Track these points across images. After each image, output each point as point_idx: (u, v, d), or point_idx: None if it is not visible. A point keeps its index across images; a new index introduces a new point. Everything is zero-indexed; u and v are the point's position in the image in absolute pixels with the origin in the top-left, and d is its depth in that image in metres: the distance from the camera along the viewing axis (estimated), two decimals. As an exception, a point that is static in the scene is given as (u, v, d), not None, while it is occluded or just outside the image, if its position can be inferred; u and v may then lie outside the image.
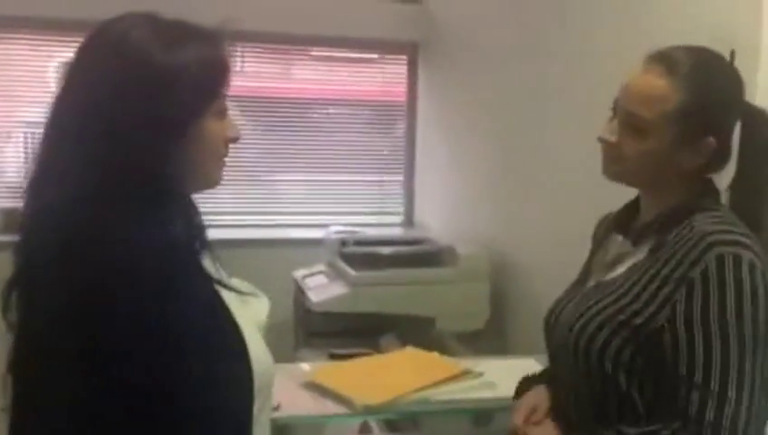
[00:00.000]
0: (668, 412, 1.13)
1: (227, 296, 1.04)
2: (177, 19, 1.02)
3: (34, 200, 0.97)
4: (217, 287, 1.02)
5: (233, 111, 1.07)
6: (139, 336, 0.88)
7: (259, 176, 3.80)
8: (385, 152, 3.91)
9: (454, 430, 1.63)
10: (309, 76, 3.83)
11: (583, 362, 1.24)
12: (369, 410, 1.48)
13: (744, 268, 1.11)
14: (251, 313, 1.10)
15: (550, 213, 2.50)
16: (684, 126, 1.19)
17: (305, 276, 2.79)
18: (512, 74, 2.77)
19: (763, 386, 1.12)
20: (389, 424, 1.97)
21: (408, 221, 3.83)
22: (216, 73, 1.01)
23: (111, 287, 0.88)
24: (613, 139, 1.22)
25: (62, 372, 0.88)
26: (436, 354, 1.73)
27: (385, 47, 3.78)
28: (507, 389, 1.50)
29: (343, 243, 2.80)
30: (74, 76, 0.98)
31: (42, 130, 0.98)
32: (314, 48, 3.77)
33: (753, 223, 1.23)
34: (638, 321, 1.17)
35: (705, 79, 1.20)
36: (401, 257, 2.66)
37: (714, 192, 1.27)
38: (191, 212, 1.02)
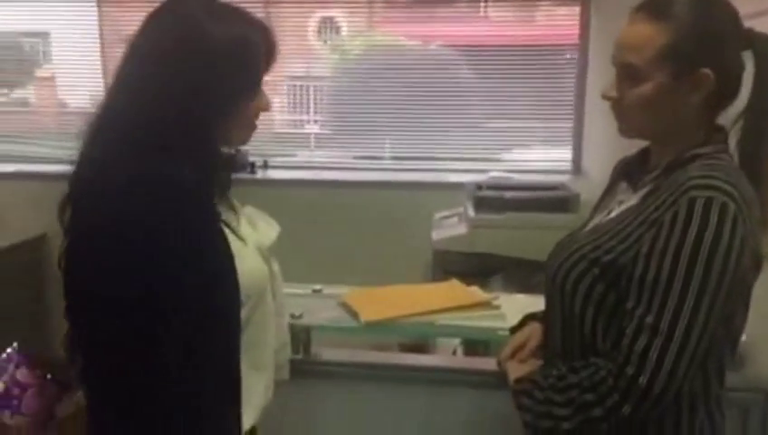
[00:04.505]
0: None
1: (240, 223, 1.25)
2: (232, 4, 1.17)
3: (90, 141, 1.12)
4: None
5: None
6: (164, 249, 1.04)
7: (436, 122, 3.99)
8: (554, 98, 3.84)
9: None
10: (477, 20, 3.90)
11: (559, 297, 1.29)
12: (369, 324, 1.66)
13: (713, 212, 1.10)
14: (257, 236, 1.31)
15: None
16: (674, 62, 1.19)
17: (442, 218, 2.95)
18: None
19: (706, 329, 1.10)
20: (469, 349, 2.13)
21: (576, 169, 3.75)
22: (256, 57, 1.15)
23: (138, 215, 1.04)
24: (614, 93, 1.25)
25: (99, 280, 1.06)
26: (473, 288, 1.81)
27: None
28: (514, 322, 1.57)
29: (479, 187, 2.90)
30: (139, 40, 1.13)
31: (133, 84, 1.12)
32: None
33: (752, 162, 1.21)
34: (608, 257, 1.20)
35: (688, 14, 1.19)
36: (523, 202, 2.69)
37: (720, 139, 1.25)
38: (216, 161, 1.18)
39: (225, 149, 1.23)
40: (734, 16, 1.22)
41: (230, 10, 1.15)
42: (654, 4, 1.21)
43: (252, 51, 1.14)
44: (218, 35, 1.10)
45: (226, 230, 1.17)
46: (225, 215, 1.19)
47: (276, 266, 1.37)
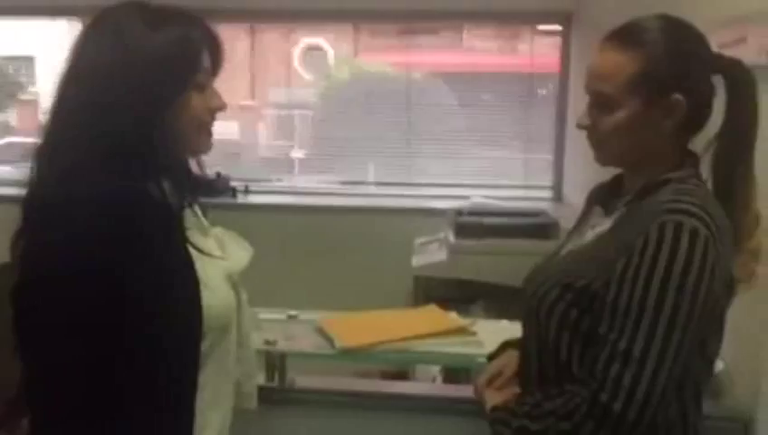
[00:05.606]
0: None
1: (209, 245, 1.20)
2: (164, 5, 1.16)
3: (40, 165, 1.11)
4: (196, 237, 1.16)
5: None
6: (104, 270, 1.01)
7: (419, 148, 4.03)
8: (534, 126, 3.87)
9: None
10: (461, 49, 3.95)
11: (534, 323, 1.28)
12: (345, 351, 1.63)
13: (684, 235, 1.09)
14: (226, 261, 1.23)
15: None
16: (646, 89, 1.19)
17: (423, 243, 2.94)
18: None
19: (679, 354, 1.09)
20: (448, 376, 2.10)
21: (557, 196, 3.76)
22: (193, 51, 1.13)
23: (80, 239, 1.02)
24: (587, 122, 1.25)
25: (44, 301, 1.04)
26: (451, 314, 1.80)
27: (538, 18, 3.74)
28: (492, 349, 1.55)
29: (459, 213, 2.89)
30: (75, 57, 1.12)
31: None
32: (468, 23, 3.86)
33: (725, 187, 1.21)
34: (581, 283, 1.19)
35: (658, 41, 1.20)
36: (503, 228, 2.69)
37: (692, 163, 1.25)
38: (179, 175, 1.16)
39: (193, 166, 1.20)
40: (702, 41, 1.23)
41: (166, 13, 1.14)
42: (623, 33, 1.22)
43: (189, 48, 1.13)
44: (154, 41, 1.09)
45: (193, 251, 1.13)
46: (193, 235, 1.15)
47: (245, 296, 1.29)
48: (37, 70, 4.37)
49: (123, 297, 1.02)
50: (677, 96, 1.18)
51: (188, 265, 1.12)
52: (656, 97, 1.18)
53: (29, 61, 4.43)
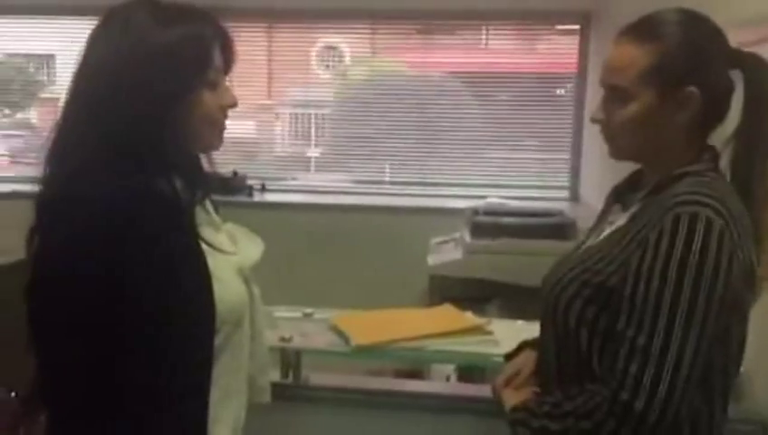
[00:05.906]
0: None
1: (220, 240, 1.20)
2: (177, 2, 1.16)
3: (51, 161, 1.11)
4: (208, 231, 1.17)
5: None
6: (111, 270, 1.02)
7: (436, 148, 4.04)
8: (552, 126, 3.86)
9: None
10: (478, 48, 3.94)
11: (551, 321, 1.27)
12: (360, 349, 1.63)
13: (699, 226, 1.08)
14: (238, 256, 1.22)
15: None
16: (660, 82, 1.18)
17: (439, 243, 2.94)
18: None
19: (699, 349, 1.07)
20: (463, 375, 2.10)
21: (574, 196, 3.74)
22: (204, 48, 1.13)
23: (87, 236, 1.02)
24: (601, 116, 1.24)
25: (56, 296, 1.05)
26: (466, 313, 1.80)
27: (557, 17, 3.72)
28: (508, 349, 1.54)
29: (475, 212, 2.89)
30: (86, 54, 1.12)
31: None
32: (485, 22, 3.85)
33: (744, 183, 1.19)
34: (597, 280, 1.18)
35: (673, 35, 1.19)
36: (519, 228, 2.69)
37: (710, 158, 1.23)
38: (190, 172, 1.16)
39: (205, 162, 1.20)
40: (719, 35, 1.21)
41: (177, 10, 1.13)
42: (640, 26, 1.21)
43: (197, 44, 1.12)
44: (164, 39, 1.09)
45: (205, 247, 1.13)
46: (204, 231, 1.15)
47: (257, 290, 1.29)
48: (58, 68, 4.41)
49: (123, 297, 1.03)
50: (692, 89, 1.16)
51: (199, 260, 1.12)
52: (669, 89, 1.17)
53: (50, 59, 4.47)
